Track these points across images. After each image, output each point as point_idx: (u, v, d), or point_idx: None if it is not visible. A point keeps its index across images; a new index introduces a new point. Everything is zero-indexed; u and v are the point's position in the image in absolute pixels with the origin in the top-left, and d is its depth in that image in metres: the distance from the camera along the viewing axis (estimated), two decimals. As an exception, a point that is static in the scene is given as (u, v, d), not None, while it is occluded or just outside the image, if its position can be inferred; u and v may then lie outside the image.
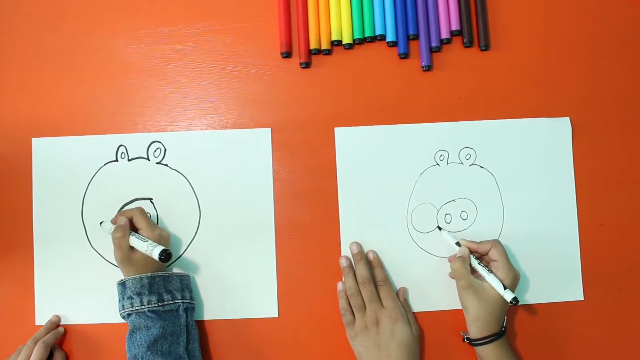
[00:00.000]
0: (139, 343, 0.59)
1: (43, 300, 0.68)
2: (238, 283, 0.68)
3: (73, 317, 0.68)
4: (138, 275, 0.61)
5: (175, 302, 0.62)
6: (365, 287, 0.65)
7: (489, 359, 0.62)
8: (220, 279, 0.68)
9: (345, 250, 0.69)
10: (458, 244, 0.67)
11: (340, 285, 0.67)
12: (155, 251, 0.60)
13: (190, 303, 0.64)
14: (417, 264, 0.69)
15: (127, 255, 0.62)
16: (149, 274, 0.61)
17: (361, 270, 0.66)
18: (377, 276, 0.67)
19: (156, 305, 0.61)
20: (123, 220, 0.63)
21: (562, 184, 0.70)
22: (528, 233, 0.69)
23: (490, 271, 0.63)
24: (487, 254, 0.65)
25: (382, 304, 0.65)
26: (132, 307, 0.61)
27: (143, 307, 0.61)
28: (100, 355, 0.67)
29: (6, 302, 0.68)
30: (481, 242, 0.65)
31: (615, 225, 0.70)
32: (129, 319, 0.61)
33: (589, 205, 0.70)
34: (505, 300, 0.61)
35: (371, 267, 0.67)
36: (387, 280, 0.67)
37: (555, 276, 0.69)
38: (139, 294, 0.61)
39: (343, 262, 0.67)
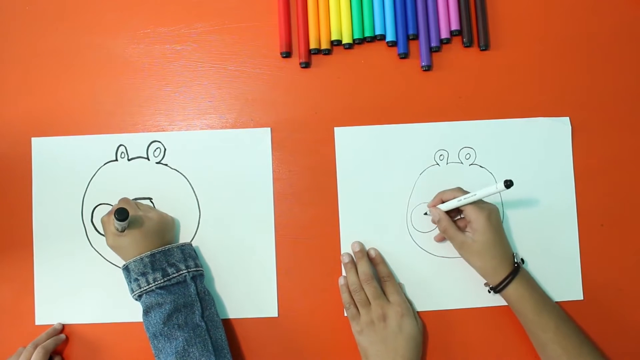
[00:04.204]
0: (155, 321, 0.60)
1: (43, 300, 0.68)
2: (238, 283, 0.68)
3: (73, 317, 0.68)
4: (138, 256, 0.61)
5: (181, 274, 0.62)
6: (368, 284, 0.65)
7: (512, 301, 0.63)
8: (220, 278, 0.68)
9: (346, 250, 0.69)
10: (427, 213, 0.69)
11: (342, 280, 0.67)
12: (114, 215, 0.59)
13: (197, 270, 0.64)
14: (416, 264, 0.69)
15: (114, 240, 0.63)
16: (148, 253, 0.62)
17: (363, 267, 0.66)
18: (381, 272, 0.67)
19: (162, 281, 0.61)
20: (110, 211, 0.65)
21: (561, 184, 0.70)
22: (528, 233, 0.69)
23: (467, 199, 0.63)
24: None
25: (387, 299, 0.65)
26: (140, 288, 0.61)
27: (150, 285, 0.61)
28: (101, 355, 0.67)
29: (6, 302, 0.68)
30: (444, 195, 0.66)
31: (615, 225, 0.70)
32: (141, 300, 0.62)
33: (589, 205, 0.70)
34: (500, 246, 0.62)
35: (373, 265, 0.67)
36: (391, 275, 0.67)
37: (555, 276, 0.69)
38: (143, 274, 0.61)
39: (345, 259, 0.67)
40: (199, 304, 0.62)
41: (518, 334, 0.65)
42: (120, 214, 0.58)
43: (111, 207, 0.68)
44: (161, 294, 0.60)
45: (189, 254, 0.65)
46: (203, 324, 0.61)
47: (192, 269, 0.63)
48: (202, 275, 0.65)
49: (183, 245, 0.65)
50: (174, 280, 0.61)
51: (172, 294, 0.61)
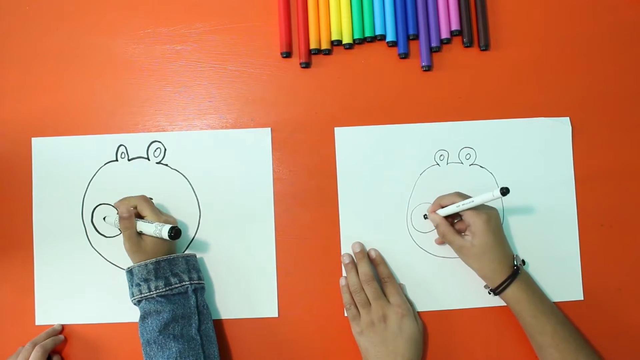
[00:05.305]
0: (151, 328, 0.60)
1: (43, 300, 0.68)
2: (238, 283, 0.68)
3: (73, 317, 0.68)
4: (143, 262, 0.61)
5: (183, 285, 0.62)
6: (369, 284, 0.65)
7: (510, 303, 0.63)
8: (220, 278, 0.68)
9: (346, 250, 0.69)
10: (426, 216, 0.69)
11: (342, 281, 0.67)
12: (164, 230, 0.59)
13: (199, 283, 0.64)
14: (417, 264, 0.69)
15: (137, 245, 0.62)
16: (153, 260, 0.61)
17: (364, 268, 0.66)
18: (382, 273, 0.67)
19: (164, 289, 0.61)
20: (127, 212, 0.62)
21: (562, 184, 0.70)
22: (528, 233, 0.69)
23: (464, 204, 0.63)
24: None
25: (388, 300, 0.65)
26: (141, 293, 0.61)
27: (151, 292, 0.60)
28: (100, 355, 0.67)
29: (6, 302, 0.68)
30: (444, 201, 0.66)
31: (615, 225, 0.70)
32: (140, 305, 0.61)
33: (589, 206, 0.70)
34: (499, 249, 0.62)
35: (374, 265, 0.67)
36: (392, 276, 0.67)
37: (555, 276, 0.69)
38: (146, 280, 0.61)
39: (345, 259, 0.67)
40: (197, 317, 0.62)
41: (518, 334, 0.65)
42: (177, 233, 0.59)
43: (112, 206, 0.68)
44: (161, 302, 0.60)
45: (193, 265, 0.65)
46: (198, 337, 0.61)
47: (194, 282, 0.63)
48: (203, 288, 0.65)
49: (188, 256, 0.65)
50: (175, 291, 0.61)
51: (172, 304, 0.61)
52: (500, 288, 0.62)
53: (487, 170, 0.70)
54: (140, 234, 0.62)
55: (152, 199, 0.69)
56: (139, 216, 0.64)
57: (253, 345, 0.67)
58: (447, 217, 0.66)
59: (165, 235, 0.59)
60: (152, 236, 0.61)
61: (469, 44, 0.72)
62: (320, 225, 0.69)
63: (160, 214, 0.64)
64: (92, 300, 0.68)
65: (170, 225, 0.59)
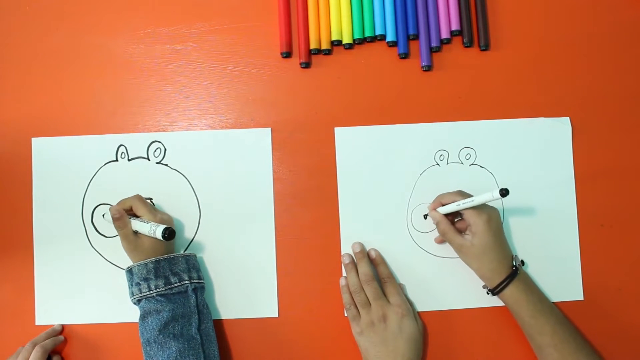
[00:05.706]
0: (151, 327, 0.60)
1: (43, 300, 0.68)
2: (238, 283, 0.68)
3: (73, 317, 0.68)
4: (143, 261, 0.61)
5: (183, 284, 0.62)
6: (369, 284, 0.65)
7: (509, 303, 0.63)
8: (220, 278, 0.68)
9: (346, 250, 0.69)
10: (426, 215, 0.69)
11: (342, 281, 0.67)
12: (158, 231, 0.60)
13: (199, 282, 0.64)
14: (417, 264, 0.69)
15: (134, 244, 0.62)
16: (153, 259, 0.61)
17: (364, 268, 0.66)
18: (382, 273, 0.67)
19: (164, 289, 0.61)
20: (117, 213, 0.62)
21: (562, 184, 0.70)
22: (528, 233, 0.69)
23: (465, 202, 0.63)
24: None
25: (388, 300, 0.65)
26: (141, 293, 0.61)
27: (151, 292, 0.60)
28: (100, 355, 0.67)
29: (6, 302, 0.68)
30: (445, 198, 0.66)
31: (615, 225, 0.70)
32: (140, 304, 0.61)
33: (589, 206, 0.70)
34: (498, 249, 0.62)
35: (374, 265, 0.67)
36: (392, 276, 0.67)
37: (555, 276, 0.69)
38: (146, 280, 0.61)
39: (345, 259, 0.67)
40: (196, 316, 0.62)
41: (518, 334, 0.65)
42: (171, 234, 0.59)
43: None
44: (161, 302, 0.60)
45: (193, 265, 0.65)
46: (198, 337, 0.61)
47: (194, 281, 0.63)
48: (203, 288, 0.65)
49: (188, 255, 0.65)
50: (175, 290, 0.61)
51: (172, 303, 0.61)
52: (499, 288, 0.62)
53: (487, 170, 0.70)
54: (136, 233, 0.62)
55: (152, 199, 0.69)
56: (136, 216, 0.64)
57: (253, 345, 0.67)
58: (447, 216, 0.66)
59: (159, 235, 0.59)
60: (148, 236, 0.62)
61: (469, 44, 0.72)
62: (320, 225, 0.69)
63: (156, 213, 0.64)
64: (92, 300, 0.68)
65: (164, 226, 0.59)
